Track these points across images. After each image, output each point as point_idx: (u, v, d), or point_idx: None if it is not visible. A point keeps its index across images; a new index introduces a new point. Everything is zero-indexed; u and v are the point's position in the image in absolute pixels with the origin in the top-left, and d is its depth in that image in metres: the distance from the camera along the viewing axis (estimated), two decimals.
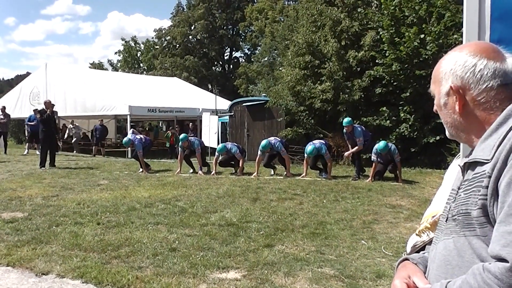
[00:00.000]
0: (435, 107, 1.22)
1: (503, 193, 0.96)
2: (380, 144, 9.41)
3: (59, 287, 3.85)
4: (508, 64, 1.10)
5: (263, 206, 7.08)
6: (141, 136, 12.84)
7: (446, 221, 1.13)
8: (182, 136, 11.58)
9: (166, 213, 6.47)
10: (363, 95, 12.89)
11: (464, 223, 1.05)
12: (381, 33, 12.44)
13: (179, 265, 4.23)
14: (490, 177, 1.00)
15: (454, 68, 1.14)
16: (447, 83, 1.15)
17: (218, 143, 13.54)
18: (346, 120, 10.34)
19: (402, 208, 6.99)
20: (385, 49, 12.30)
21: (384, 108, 12.62)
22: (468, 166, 1.10)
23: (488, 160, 1.02)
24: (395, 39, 12.02)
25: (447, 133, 1.23)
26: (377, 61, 12.68)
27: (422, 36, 11.51)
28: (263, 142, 10.71)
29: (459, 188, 1.12)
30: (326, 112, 13.55)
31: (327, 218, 6.23)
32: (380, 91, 12.83)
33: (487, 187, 1.00)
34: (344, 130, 10.45)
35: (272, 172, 11.09)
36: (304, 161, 10.60)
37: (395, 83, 12.47)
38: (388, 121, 12.50)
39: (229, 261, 4.38)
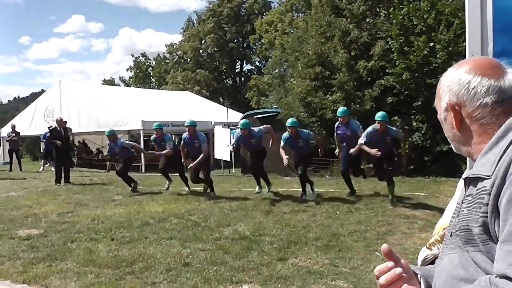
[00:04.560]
0: None
1: (504, 211, 0.95)
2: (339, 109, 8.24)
3: None
4: (506, 81, 1.10)
5: (276, 219, 7.06)
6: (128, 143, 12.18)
7: (450, 235, 1.13)
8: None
9: (180, 228, 6.49)
10: (374, 105, 12.87)
11: (467, 238, 1.04)
12: (390, 42, 12.48)
13: (193, 280, 4.24)
14: (490, 194, 0.99)
15: (450, 85, 1.16)
16: (444, 99, 1.18)
17: (231, 156, 13.54)
18: (341, 109, 8.67)
19: (416, 218, 6.91)
20: (394, 58, 12.31)
21: (396, 118, 12.57)
22: (470, 181, 1.10)
23: (489, 176, 1.01)
24: (405, 48, 12.02)
25: (452, 147, 1.24)
26: (387, 70, 12.69)
27: (431, 44, 11.51)
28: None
29: (462, 202, 1.12)
30: None
31: (341, 230, 6.19)
32: (391, 100, 12.81)
33: (487, 204, 0.99)
34: (338, 124, 8.76)
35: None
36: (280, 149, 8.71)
37: (406, 92, 12.45)
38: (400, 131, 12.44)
39: (243, 275, 4.37)
